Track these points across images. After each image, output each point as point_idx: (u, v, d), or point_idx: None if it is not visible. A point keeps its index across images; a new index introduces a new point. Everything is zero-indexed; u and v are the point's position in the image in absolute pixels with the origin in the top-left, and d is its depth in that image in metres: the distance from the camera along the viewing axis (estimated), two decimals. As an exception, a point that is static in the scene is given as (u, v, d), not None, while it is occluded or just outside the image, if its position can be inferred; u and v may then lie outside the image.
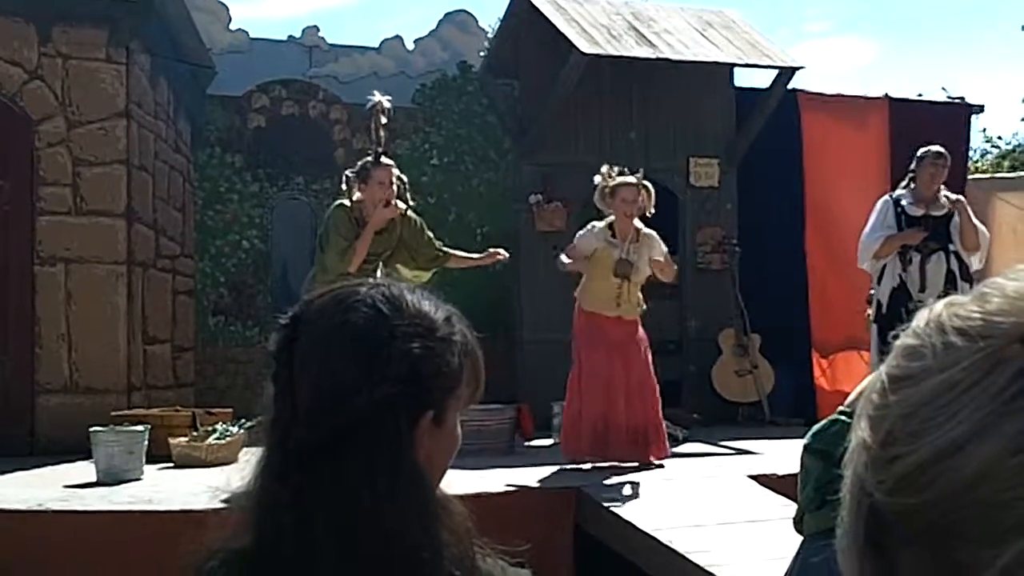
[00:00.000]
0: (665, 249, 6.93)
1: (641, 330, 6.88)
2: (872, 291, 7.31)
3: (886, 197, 7.24)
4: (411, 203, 6.83)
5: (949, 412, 0.57)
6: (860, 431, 0.61)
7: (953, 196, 7.11)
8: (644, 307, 6.91)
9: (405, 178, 6.78)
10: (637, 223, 6.78)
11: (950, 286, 6.71)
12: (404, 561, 1.22)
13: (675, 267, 7.10)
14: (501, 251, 7.04)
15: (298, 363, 1.27)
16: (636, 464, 6.70)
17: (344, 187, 6.68)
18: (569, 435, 6.83)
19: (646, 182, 6.86)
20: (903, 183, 7.30)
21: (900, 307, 6.51)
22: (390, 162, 6.65)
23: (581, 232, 6.94)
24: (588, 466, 6.68)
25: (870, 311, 7.36)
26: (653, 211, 6.87)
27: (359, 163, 6.70)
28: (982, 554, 0.54)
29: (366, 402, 1.24)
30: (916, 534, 0.56)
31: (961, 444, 0.56)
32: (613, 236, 6.76)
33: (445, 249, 6.90)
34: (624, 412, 6.70)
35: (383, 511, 1.22)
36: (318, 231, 6.85)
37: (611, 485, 6.17)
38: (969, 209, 7.08)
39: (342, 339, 1.27)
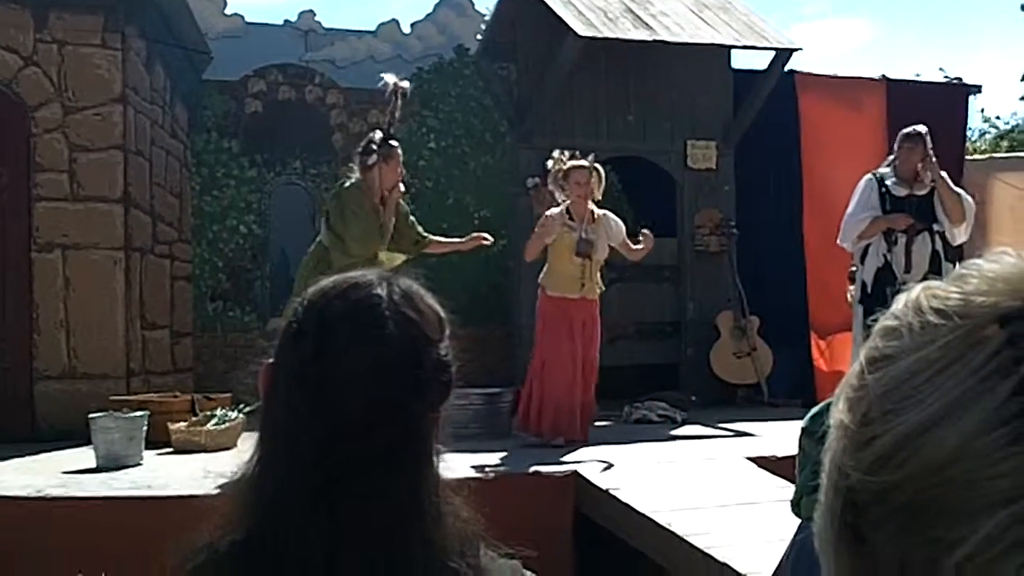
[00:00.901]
0: (623, 228, 7.15)
1: (597, 311, 7.11)
2: (853, 268, 7.27)
3: (869, 176, 6.99)
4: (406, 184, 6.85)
5: (926, 390, 0.57)
6: (838, 413, 0.62)
7: (930, 176, 6.84)
8: (603, 288, 7.14)
9: None
10: (592, 205, 7.02)
11: (935, 267, 6.63)
12: (420, 564, 1.22)
13: (642, 247, 7.17)
14: (485, 235, 7.04)
15: (333, 379, 1.24)
16: (579, 441, 6.94)
17: (369, 162, 6.42)
18: (528, 415, 7.00)
19: (597, 165, 7.07)
20: (886, 161, 7.17)
21: (884, 288, 6.44)
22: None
23: (541, 220, 7.10)
24: (586, 449, 6.74)
25: (852, 288, 7.33)
26: (600, 196, 7.08)
27: (380, 140, 6.51)
28: (958, 530, 0.54)
29: (414, 411, 1.24)
30: (892, 513, 0.57)
31: (937, 421, 0.56)
32: (571, 219, 6.97)
33: (426, 235, 6.90)
34: (579, 393, 6.98)
35: (424, 517, 1.22)
36: (327, 213, 6.59)
37: (609, 468, 6.18)
38: (946, 177, 6.87)
39: (383, 356, 1.25)
